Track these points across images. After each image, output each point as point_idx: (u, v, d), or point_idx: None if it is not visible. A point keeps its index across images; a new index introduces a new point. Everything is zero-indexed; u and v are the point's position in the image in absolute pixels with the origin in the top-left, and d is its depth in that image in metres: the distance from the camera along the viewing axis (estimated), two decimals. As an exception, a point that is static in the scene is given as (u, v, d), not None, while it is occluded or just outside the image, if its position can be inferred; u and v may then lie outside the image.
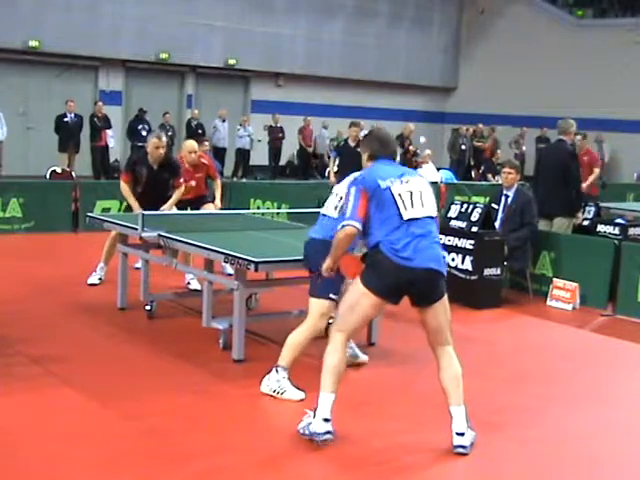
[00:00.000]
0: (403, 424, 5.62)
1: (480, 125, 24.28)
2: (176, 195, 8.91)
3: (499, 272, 9.22)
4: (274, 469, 4.81)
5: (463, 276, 9.16)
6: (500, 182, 10.74)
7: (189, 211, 9.37)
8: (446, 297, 5.15)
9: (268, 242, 7.45)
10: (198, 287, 8.93)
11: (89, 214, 9.02)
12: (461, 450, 5.07)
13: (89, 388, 5.92)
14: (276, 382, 5.91)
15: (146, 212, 7.57)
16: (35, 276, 9.41)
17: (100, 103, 19.97)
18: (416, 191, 5.07)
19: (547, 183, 10.19)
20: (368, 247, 5.10)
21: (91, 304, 8.39)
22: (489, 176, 20.03)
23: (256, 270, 6.27)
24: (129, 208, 9.11)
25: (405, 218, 4.98)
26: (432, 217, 5.11)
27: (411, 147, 22.85)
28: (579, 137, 12.49)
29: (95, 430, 5.18)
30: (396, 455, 5.08)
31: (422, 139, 19.26)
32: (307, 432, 5.06)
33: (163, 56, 22.41)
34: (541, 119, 23.75)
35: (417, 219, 5.01)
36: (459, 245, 9.24)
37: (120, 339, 7.24)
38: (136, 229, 7.45)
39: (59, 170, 16.01)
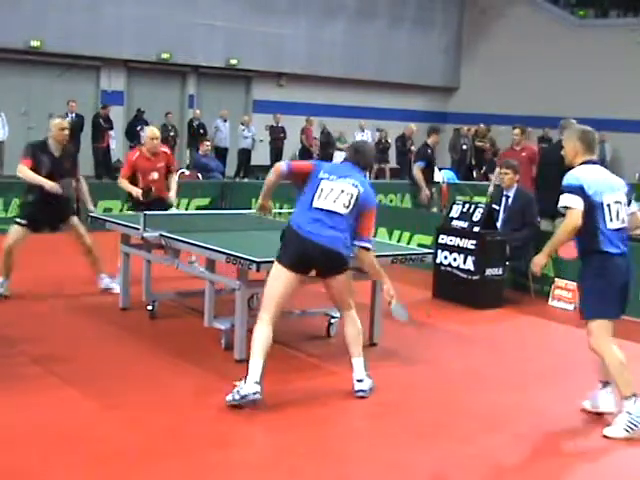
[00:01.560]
0: (405, 424, 5.63)
1: (481, 125, 24.28)
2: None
3: (501, 272, 9.22)
4: (274, 468, 4.81)
5: (465, 276, 9.17)
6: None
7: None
8: (348, 272, 6.02)
9: (270, 242, 7.43)
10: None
11: (91, 214, 9.02)
12: (361, 394, 5.96)
13: (90, 388, 5.92)
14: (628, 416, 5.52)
15: (148, 212, 7.57)
16: (37, 276, 9.41)
17: (108, 106, 20.20)
18: (337, 189, 5.86)
19: (549, 183, 10.16)
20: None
21: (93, 304, 8.39)
22: (490, 176, 20.02)
23: (258, 270, 6.27)
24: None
25: (313, 205, 5.85)
26: (337, 213, 5.84)
27: (413, 147, 22.87)
28: (516, 131, 12.02)
29: (96, 430, 5.19)
30: (399, 457, 5.09)
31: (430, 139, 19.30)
32: (237, 397, 5.54)
33: (165, 56, 22.43)
34: (543, 119, 23.73)
35: (322, 209, 5.83)
36: (461, 245, 9.25)
37: (122, 339, 7.25)
38: (138, 229, 7.45)
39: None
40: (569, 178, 5.51)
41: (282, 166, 6.10)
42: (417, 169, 12.77)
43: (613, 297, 5.58)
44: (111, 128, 20.16)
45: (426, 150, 12.86)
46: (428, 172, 12.84)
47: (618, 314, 5.69)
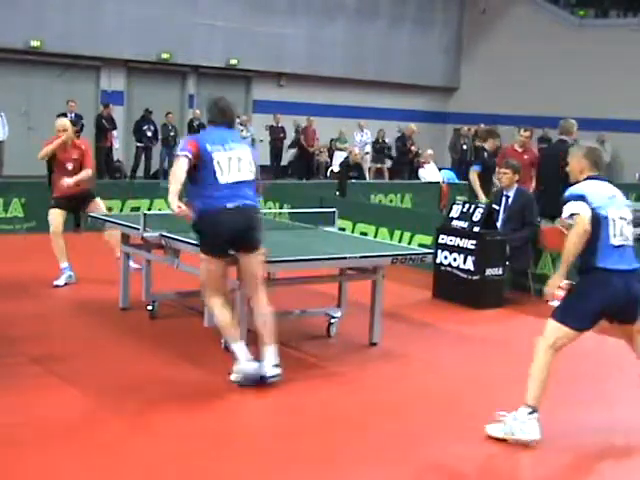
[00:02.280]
0: (405, 424, 5.62)
1: (482, 125, 24.25)
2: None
3: (501, 272, 9.21)
4: (273, 468, 4.81)
5: (465, 276, 9.16)
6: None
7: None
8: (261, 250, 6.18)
9: (270, 242, 7.43)
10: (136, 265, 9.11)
11: (91, 214, 9.03)
12: (278, 378, 6.06)
13: (90, 388, 5.92)
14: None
15: (148, 212, 7.57)
16: (36, 276, 9.41)
17: (110, 105, 20.36)
18: (235, 158, 6.08)
19: (549, 183, 10.17)
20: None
21: (93, 304, 8.39)
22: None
23: (258, 270, 6.26)
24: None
25: (220, 182, 5.99)
26: (247, 181, 6.13)
27: (413, 147, 22.88)
28: (527, 133, 11.80)
29: (95, 429, 5.19)
30: (399, 456, 5.08)
31: (429, 151, 19.37)
32: (240, 377, 6.00)
33: (165, 56, 22.42)
34: (543, 119, 23.73)
35: (232, 183, 6.03)
36: (461, 245, 9.24)
37: (122, 339, 7.24)
38: (138, 229, 7.45)
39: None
40: (571, 190, 5.38)
41: (185, 157, 6.00)
42: (473, 173, 11.61)
43: (588, 311, 5.37)
44: (114, 128, 20.25)
45: (482, 153, 11.85)
46: (484, 177, 11.61)
47: (582, 328, 5.44)
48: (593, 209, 5.26)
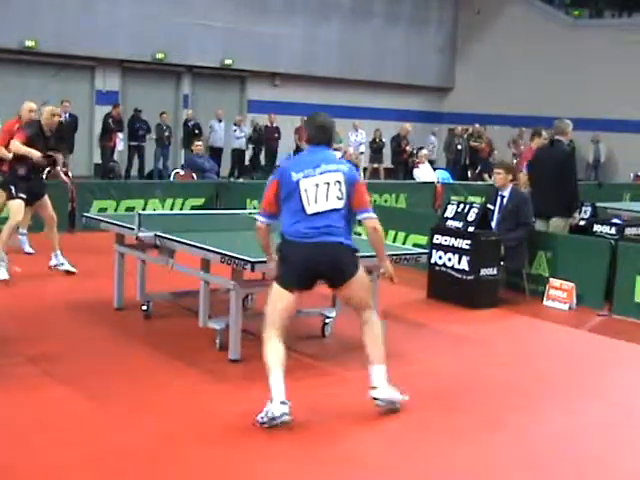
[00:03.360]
0: (401, 423, 5.62)
1: (476, 125, 24.31)
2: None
3: (495, 272, 9.22)
4: (269, 468, 4.81)
5: (460, 276, 9.16)
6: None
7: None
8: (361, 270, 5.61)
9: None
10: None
11: (85, 214, 9.02)
12: (379, 403, 5.58)
13: (85, 388, 5.91)
14: None
15: (142, 212, 7.56)
16: (31, 276, 9.40)
17: (119, 106, 20.64)
18: (322, 184, 5.40)
19: (544, 183, 10.18)
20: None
21: (88, 304, 8.38)
22: (485, 176, 20.06)
23: (252, 270, 6.27)
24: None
25: (308, 212, 5.40)
26: (334, 210, 5.43)
27: (408, 147, 22.89)
28: (545, 134, 11.63)
29: (89, 429, 5.18)
30: (394, 457, 5.08)
31: (424, 151, 19.35)
32: (266, 419, 5.19)
33: (159, 56, 22.42)
34: (537, 119, 23.69)
35: (319, 212, 5.40)
36: (456, 245, 9.24)
37: (116, 339, 7.24)
38: (133, 229, 7.44)
39: (55, 170, 15.98)
40: None
41: (262, 222, 5.64)
42: (523, 175, 11.39)
43: None
44: (120, 129, 20.30)
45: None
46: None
47: None
48: None
